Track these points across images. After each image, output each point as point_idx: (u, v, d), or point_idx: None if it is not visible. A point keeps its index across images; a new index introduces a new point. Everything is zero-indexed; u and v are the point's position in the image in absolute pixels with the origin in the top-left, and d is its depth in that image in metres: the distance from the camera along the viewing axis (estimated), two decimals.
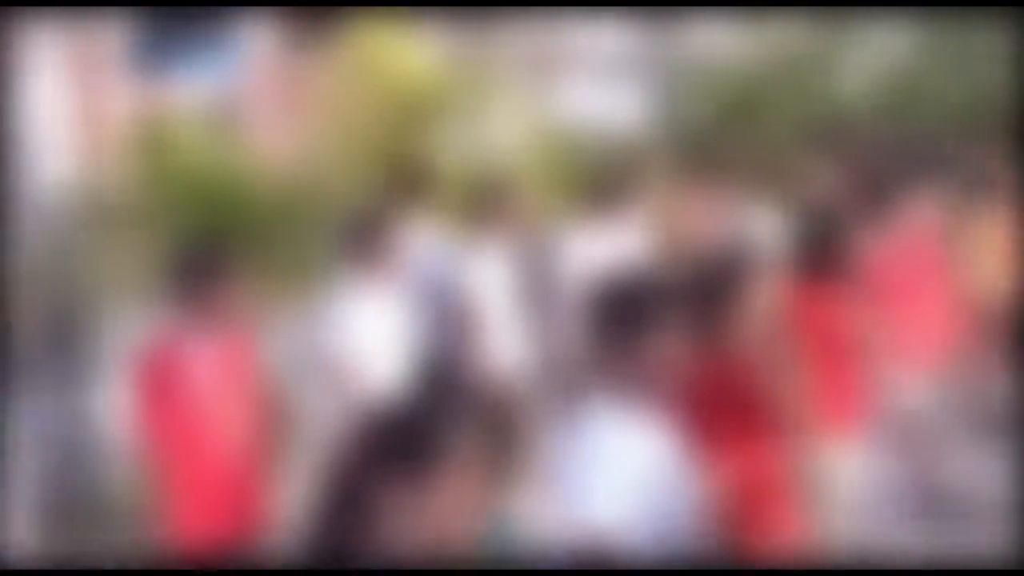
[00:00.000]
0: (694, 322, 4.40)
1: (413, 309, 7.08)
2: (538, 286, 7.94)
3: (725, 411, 4.61)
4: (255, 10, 11.23)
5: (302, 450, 5.64)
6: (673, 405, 3.82)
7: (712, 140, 11.96)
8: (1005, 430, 6.57)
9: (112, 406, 6.85)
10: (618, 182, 8.37)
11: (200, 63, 11.88)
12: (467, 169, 8.96)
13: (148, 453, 5.36)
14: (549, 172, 11.52)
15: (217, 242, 5.99)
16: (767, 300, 4.84)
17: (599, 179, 8.44)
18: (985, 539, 5.77)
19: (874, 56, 13.40)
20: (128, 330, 8.04)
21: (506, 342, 7.52)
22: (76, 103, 9.97)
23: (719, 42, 13.33)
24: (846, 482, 5.40)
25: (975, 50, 12.49)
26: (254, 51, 12.18)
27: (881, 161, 7.79)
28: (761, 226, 7.89)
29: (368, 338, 6.34)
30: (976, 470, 6.42)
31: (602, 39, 13.61)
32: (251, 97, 12.23)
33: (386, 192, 7.68)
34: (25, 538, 6.47)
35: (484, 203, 7.74)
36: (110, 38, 10.83)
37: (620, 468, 3.55)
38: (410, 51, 12.35)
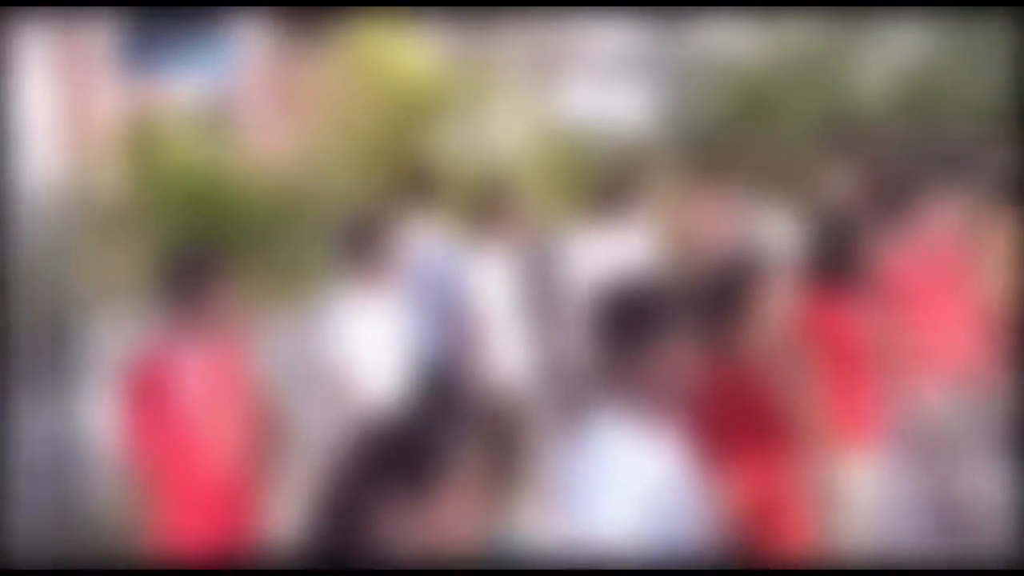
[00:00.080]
0: (704, 330, 4.40)
1: (412, 316, 7.08)
2: (541, 292, 7.94)
3: (736, 423, 4.60)
4: (249, 7, 11.24)
5: (296, 463, 5.63)
6: (682, 416, 3.81)
7: (722, 140, 11.96)
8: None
9: (99, 416, 6.84)
10: (624, 184, 8.36)
11: (192, 60, 11.90)
12: (468, 171, 8.97)
13: (136, 465, 5.36)
14: (553, 174, 11.52)
15: (209, 246, 5.99)
16: (780, 307, 4.83)
17: (604, 181, 8.44)
18: (1006, 555, 5.76)
19: (892, 53, 13.40)
20: (116, 337, 8.04)
21: (508, 351, 7.52)
22: (63, 102, 9.98)
23: (728, 38, 13.33)
24: (862, 496, 5.39)
25: (995, 49, 12.49)
26: (248, 48, 12.19)
27: (899, 162, 7.77)
28: (773, 230, 7.88)
29: (365, 346, 6.34)
30: (996, 483, 6.40)
31: (607, 36, 13.62)
32: (245, 95, 12.25)
33: (385, 194, 7.68)
34: (15, 545, 6.47)
35: (486, 206, 7.74)
36: (98, 35, 10.84)
37: (627, 482, 3.54)
38: (410, 50, 12.36)
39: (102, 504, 6.94)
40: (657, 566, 3.53)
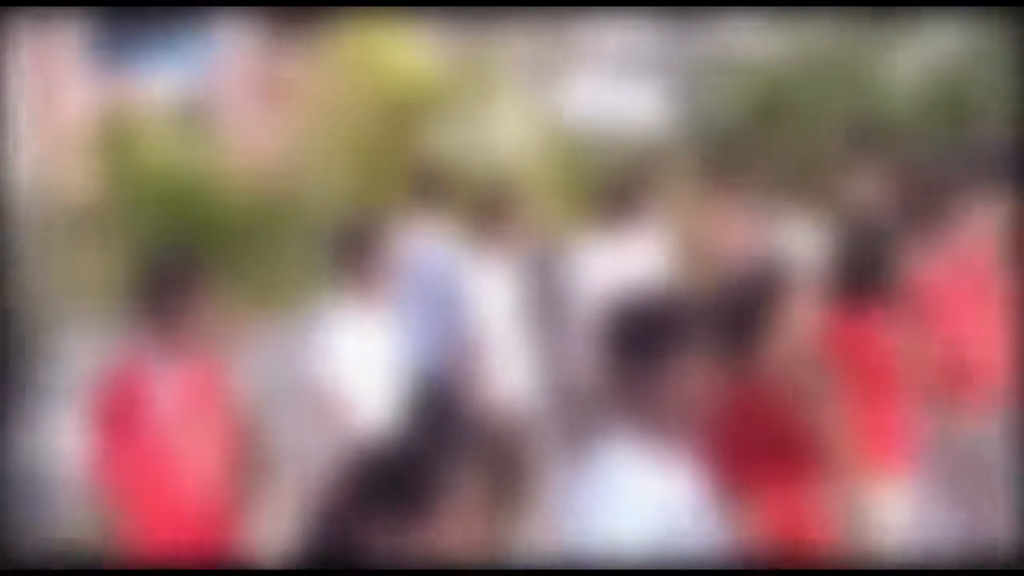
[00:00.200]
0: (721, 346, 4.39)
1: (407, 330, 7.07)
2: (546, 305, 7.94)
3: (756, 447, 4.59)
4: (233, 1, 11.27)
5: (279, 489, 5.62)
6: (698, 440, 3.80)
7: (740, 140, 11.98)
8: None
9: (66, 436, 6.83)
10: (634, 188, 8.37)
11: (170, 54, 11.92)
12: (469, 174, 8.97)
13: (105, 488, 5.35)
14: (558, 177, 11.54)
15: (187, 252, 5.99)
16: (803, 321, 4.83)
17: (613, 184, 8.45)
18: None
19: (922, 50, 13.42)
20: (85, 350, 8.03)
21: (511, 368, 7.52)
22: (30, 98, 9.99)
23: (746, 32, 13.36)
24: (893, 527, 5.38)
25: None
26: (230, 41, 12.21)
27: (930, 166, 7.77)
28: (797, 239, 7.88)
29: (357, 362, 6.33)
30: None
31: (616, 30, 13.65)
32: (226, 91, 12.27)
33: (378, 198, 7.69)
34: None
35: (487, 212, 7.74)
36: (69, 27, 10.86)
37: (638, 511, 3.53)
38: (405, 46, 12.40)
39: (69, 530, 6.94)
40: None
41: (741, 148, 10.81)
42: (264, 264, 10.34)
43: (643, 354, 3.65)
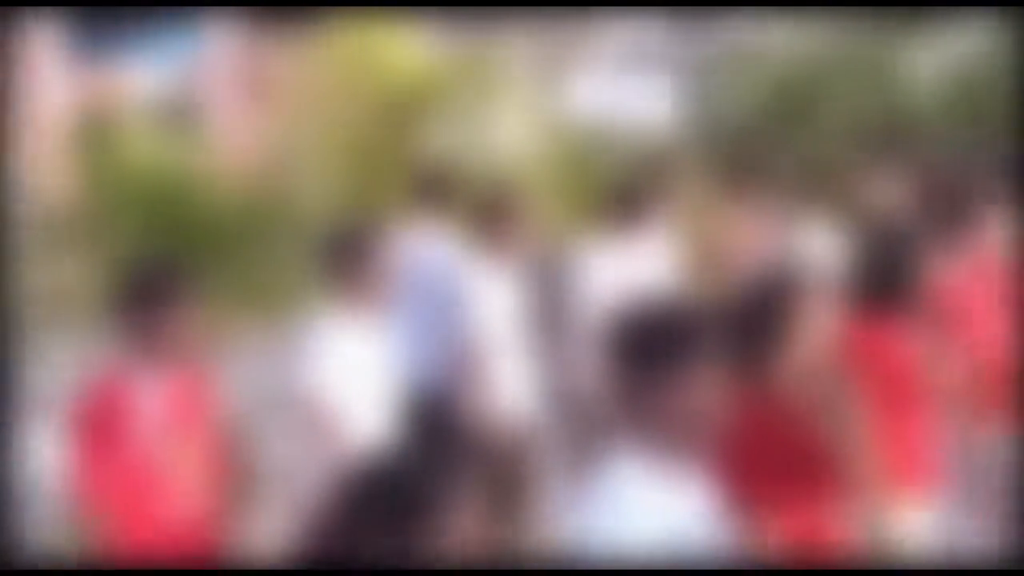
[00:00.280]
0: (734, 357, 4.39)
1: (404, 339, 7.07)
2: (550, 313, 7.94)
3: (772, 463, 4.59)
4: None
5: (268, 507, 5.61)
6: (710, 456, 3.79)
7: (754, 140, 11.99)
8: None
9: (44, 451, 6.83)
10: (643, 189, 8.38)
11: (152, 48, 11.92)
12: (468, 175, 8.96)
13: (86, 504, 5.35)
14: (563, 178, 11.54)
15: (171, 258, 5.98)
16: (821, 331, 4.82)
17: (620, 186, 8.45)
18: None
19: (945, 48, 13.43)
20: (64, 361, 8.02)
21: (513, 380, 7.52)
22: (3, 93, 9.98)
23: (761, 29, 13.37)
24: (916, 546, 5.37)
25: None
26: (217, 37, 12.22)
27: (953, 168, 7.79)
28: (813, 243, 7.89)
29: (350, 373, 6.33)
30: None
31: (623, 26, 13.66)
32: (212, 88, 12.27)
33: (373, 201, 7.69)
34: None
35: (487, 214, 7.73)
36: (47, 21, 10.86)
37: (645, 529, 3.53)
38: (402, 43, 12.41)
39: (49, 544, 6.94)
40: None
41: (754, 147, 10.83)
42: (252, 269, 10.33)
43: (651, 364, 3.65)
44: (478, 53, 12.64)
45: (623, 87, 13.55)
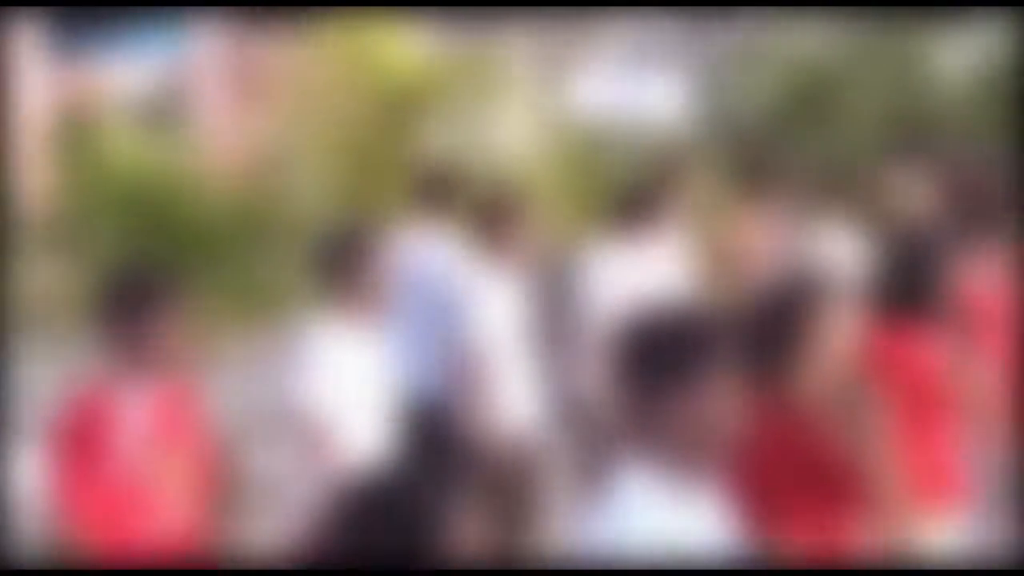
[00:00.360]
0: (750, 366, 4.38)
1: (402, 348, 7.07)
2: (556, 320, 7.93)
3: (789, 479, 4.58)
4: None
5: (258, 522, 5.61)
6: (724, 470, 3.78)
7: (770, 140, 11.98)
8: None
9: (23, 465, 6.83)
10: (653, 191, 8.38)
11: (136, 46, 11.92)
12: (470, 175, 8.96)
13: (68, 519, 5.34)
14: (569, 179, 11.54)
15: (156, 263, 5.99)
16: (842, 340, 4.81)
17: (629, 187, 8.46)
18: None
19: (971, 45, 13.43)
20: (44, 372, 8.02)
21: (517, 390, 7.51)
22: None
23: (777, 24, 13.37)
24: (941, 562, 5.36)
25: None
26: (204, 33, 12.22)
27: (979, 168, 7.78)
28: (833, 247, 7.89)
29: (345, 384, 6.32)
30: None
31: (629, 23, 13.67)
32: (199, 85, 12.27)
33: (369, 203, 7.68)
34: None
35: (489, 217, 7.73)
36: (24, 17, 10.86)
37: (657, 546, 3.52)
38: (400, 41, 12.42)
39: (31, 559, 6.94)
40: None
41: (771, 147, 10.83)
42: (243, 273, 10.33)
43: (662, 373, 3.64)
44: (479, 50, 12.65)
45: (632, 84, 13.55)
